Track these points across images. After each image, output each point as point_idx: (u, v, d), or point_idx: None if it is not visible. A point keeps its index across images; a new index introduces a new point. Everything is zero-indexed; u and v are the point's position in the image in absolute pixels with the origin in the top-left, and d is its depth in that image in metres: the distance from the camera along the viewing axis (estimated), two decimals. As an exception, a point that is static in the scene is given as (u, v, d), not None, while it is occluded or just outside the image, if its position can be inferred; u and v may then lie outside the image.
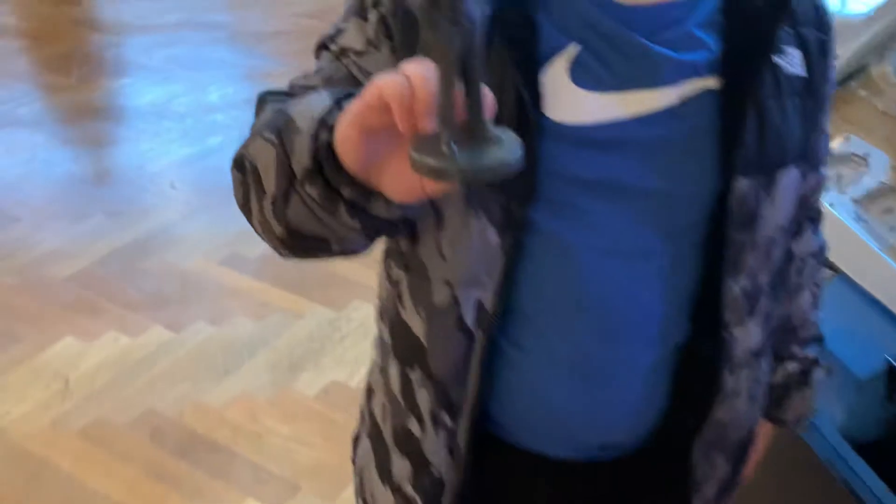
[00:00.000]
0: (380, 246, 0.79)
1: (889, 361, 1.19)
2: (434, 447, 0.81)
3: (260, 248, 1.15)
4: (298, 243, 0.69)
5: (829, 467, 1.14)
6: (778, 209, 0.76)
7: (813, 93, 0.76)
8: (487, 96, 0.50)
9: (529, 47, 0.69)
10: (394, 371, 0.83)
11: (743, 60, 0.72)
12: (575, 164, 0.71)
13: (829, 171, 1.06)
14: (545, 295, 0.75)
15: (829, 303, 0.99)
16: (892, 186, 1.32)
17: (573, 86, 0.70)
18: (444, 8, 0.46)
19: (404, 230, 0.77)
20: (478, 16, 0.47)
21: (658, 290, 0.75)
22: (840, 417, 1.18)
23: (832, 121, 0.86)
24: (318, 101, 0.64)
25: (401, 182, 0.57)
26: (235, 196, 0.72)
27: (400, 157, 0.55)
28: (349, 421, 1.00)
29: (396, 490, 0.86)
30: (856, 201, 1.28)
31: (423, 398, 0.81)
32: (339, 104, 0.62)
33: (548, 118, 0.70)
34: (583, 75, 0.70)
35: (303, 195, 0.63)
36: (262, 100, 0.75)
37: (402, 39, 0.72)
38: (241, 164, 0.69)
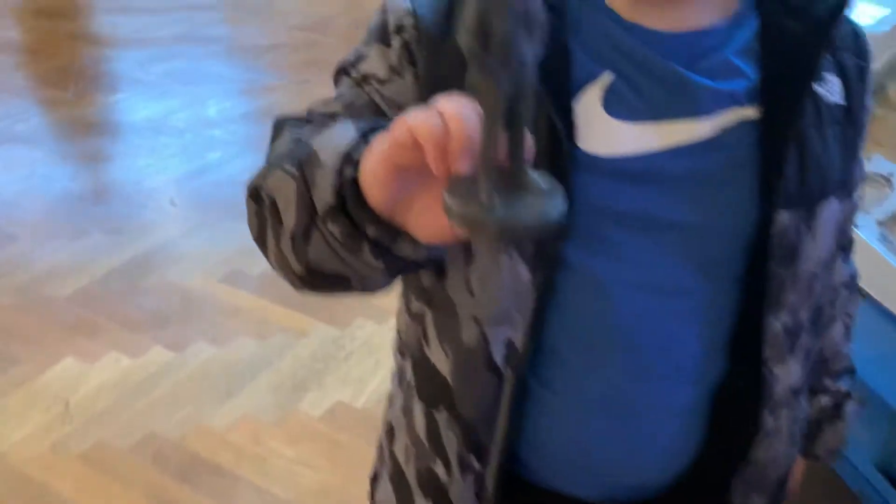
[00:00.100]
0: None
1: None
2: (461, 492, 0.78)
3: (261, 265, 1.09)
4: (317, 281, 0.66)
5: (861, 499, 1.11)
6: (819, 243, 0.73)
7: (853, 121, 0.74)
8: (528, 140, 0.47)
9: (562, 76, 0.67)
10: (418, 412, 0.80)
11: (783, 89, 0.69)
12: (608, 197, 0.68)
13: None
14: (576, 332, 0.72)
15: (857, 328, 0.96)
16: (918, 207, 1.29)
17: (606, 115, 0.68)
18: (495, 49, 0.42)
19: (430, 268, 0.74)
20: (530, 59, 0.44)
21: (694, 326, 0.73)
22: (872, 448, 1.14)
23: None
24: (343, 134, 0.60)
25: (429, 222, 0.54)
26: (249, 227, 0.68)
27: (428, 196, 0.52)
28: (355, 442, 0.96)
29: (422, 534, 0.83)
30: (880, 223, 1.25)
31: (451, 441, 0.77)
32: (365, 137, 0.59)
33: (580, 149, 0.67)
34: (616, 105, 0.68)
35: (324, 233, 0.60)
36: (279, 126, 0.72)
37: (426, 67, 0.69)
38: (258, 196, 0.66)
